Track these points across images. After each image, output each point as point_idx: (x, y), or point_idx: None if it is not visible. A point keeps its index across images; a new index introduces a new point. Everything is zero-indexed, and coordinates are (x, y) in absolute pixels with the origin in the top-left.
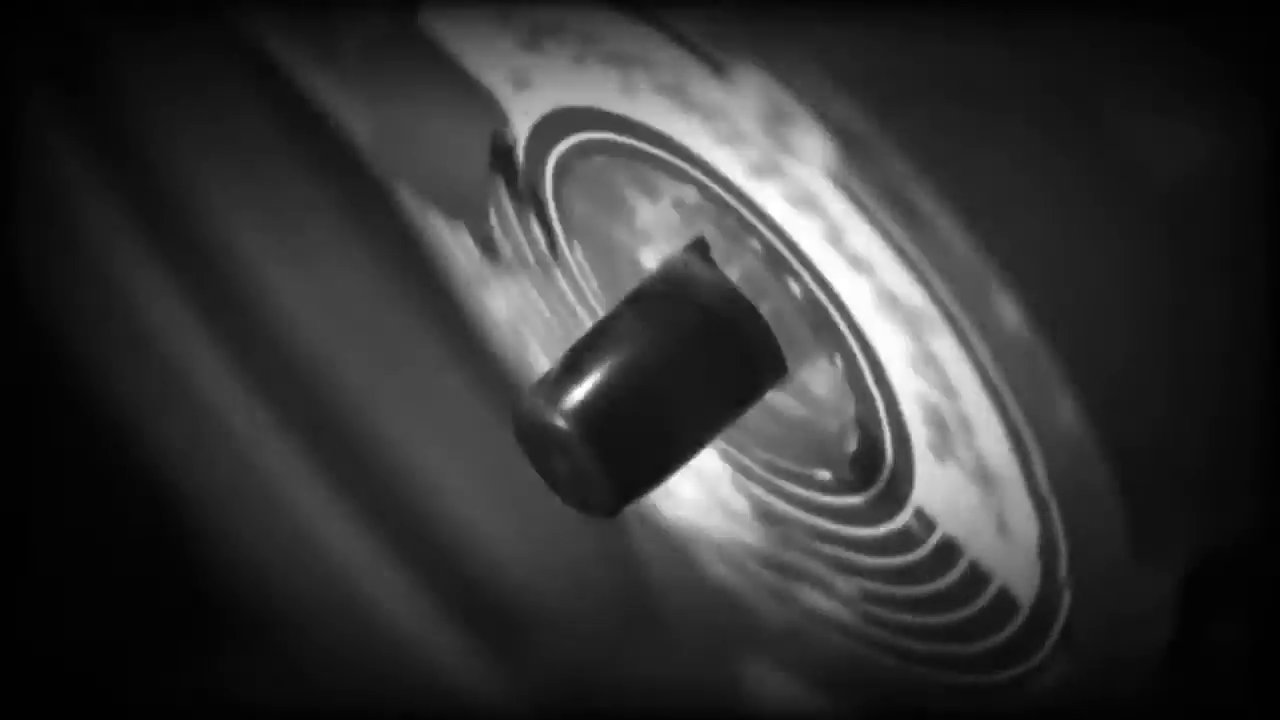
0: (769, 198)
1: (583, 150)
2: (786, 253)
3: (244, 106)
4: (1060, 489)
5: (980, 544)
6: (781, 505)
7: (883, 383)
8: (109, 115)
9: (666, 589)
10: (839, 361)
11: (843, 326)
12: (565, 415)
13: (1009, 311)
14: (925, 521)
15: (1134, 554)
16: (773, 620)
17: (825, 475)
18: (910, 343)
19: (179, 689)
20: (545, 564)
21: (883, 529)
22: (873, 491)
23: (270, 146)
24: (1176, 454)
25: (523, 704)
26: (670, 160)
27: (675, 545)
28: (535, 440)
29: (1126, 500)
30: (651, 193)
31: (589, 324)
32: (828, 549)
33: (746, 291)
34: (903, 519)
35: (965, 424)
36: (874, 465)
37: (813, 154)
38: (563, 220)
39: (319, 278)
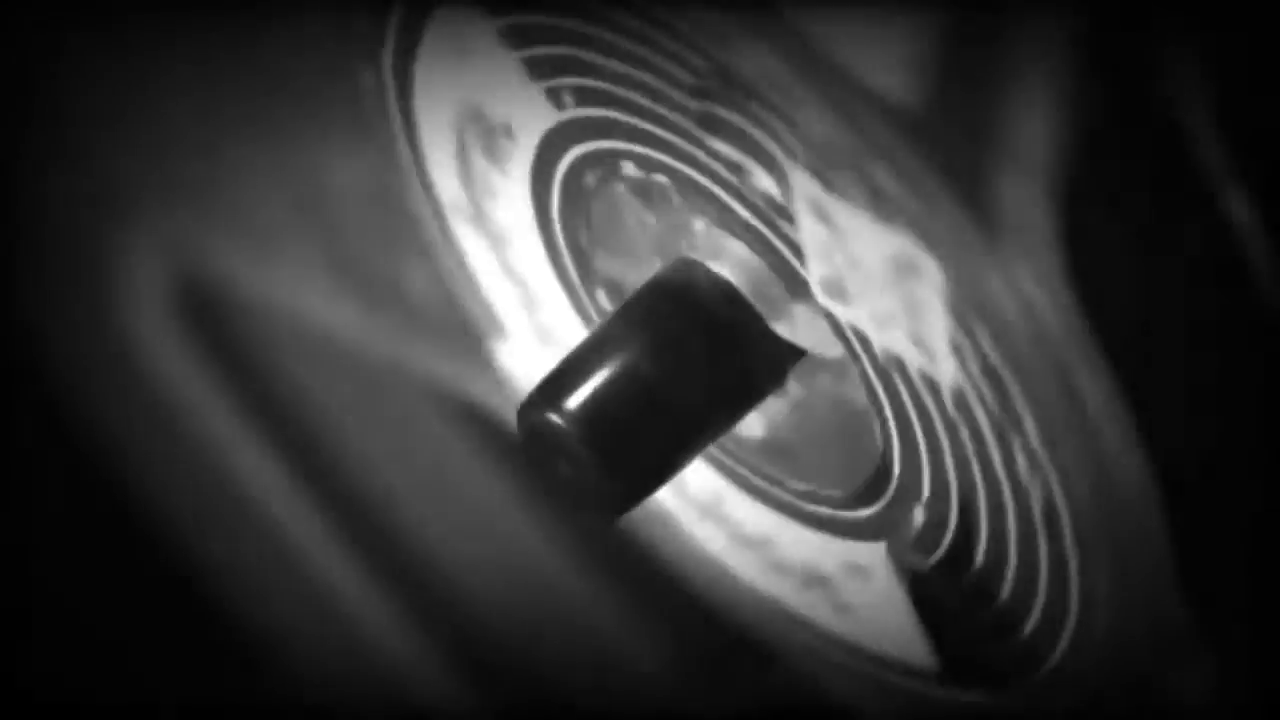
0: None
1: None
2: (790, 254)
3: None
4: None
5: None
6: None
7: (891, 388)
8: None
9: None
10: (844, 364)
11: (848, 330)
12: (566, 416)
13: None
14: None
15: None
16: (783, 641)
17: (835, 491)
18: (917, 355)
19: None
20: (526, 590)
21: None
22: (884, 500)
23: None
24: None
25: None
26: (671, 162)
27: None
28: (537, 442)
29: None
30: (656, 198)
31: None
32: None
33: (746, 292)
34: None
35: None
36: (883, 474)
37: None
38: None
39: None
